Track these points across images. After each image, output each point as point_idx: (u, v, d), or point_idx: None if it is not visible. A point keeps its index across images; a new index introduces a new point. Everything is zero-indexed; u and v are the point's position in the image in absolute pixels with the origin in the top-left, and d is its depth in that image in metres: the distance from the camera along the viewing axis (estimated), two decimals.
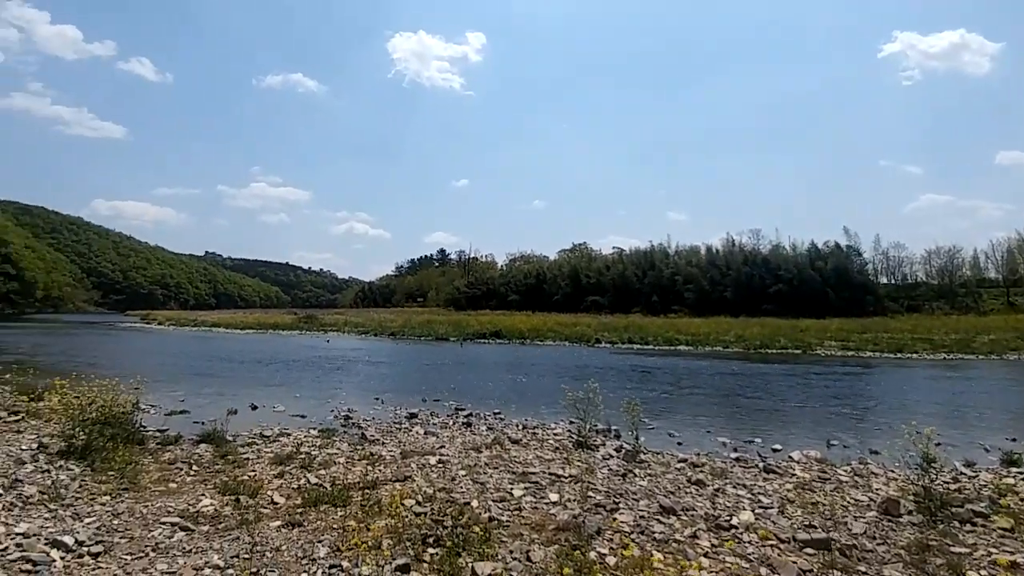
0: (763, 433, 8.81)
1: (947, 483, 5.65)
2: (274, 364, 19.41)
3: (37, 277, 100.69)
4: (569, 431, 8.25)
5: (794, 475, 6.22)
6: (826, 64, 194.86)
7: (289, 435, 7.72)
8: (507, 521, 4.43)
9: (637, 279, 69.72)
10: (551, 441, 7.72)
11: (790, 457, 7.13)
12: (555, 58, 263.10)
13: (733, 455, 7.21)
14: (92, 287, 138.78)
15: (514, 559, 3.70)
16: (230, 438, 7.18)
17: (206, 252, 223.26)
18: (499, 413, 10.11)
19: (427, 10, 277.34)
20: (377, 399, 11.71)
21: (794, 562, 3.74)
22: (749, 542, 4.13)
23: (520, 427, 8.78)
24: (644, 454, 6.92)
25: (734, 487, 5.62)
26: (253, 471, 5.81)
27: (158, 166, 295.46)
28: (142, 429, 7.03)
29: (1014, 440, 8.10)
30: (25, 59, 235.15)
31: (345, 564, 3.51)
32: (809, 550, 3.95)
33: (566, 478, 5.74)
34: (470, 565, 3.47)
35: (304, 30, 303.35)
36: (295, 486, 5.27)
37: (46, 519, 4.12)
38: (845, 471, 6.44)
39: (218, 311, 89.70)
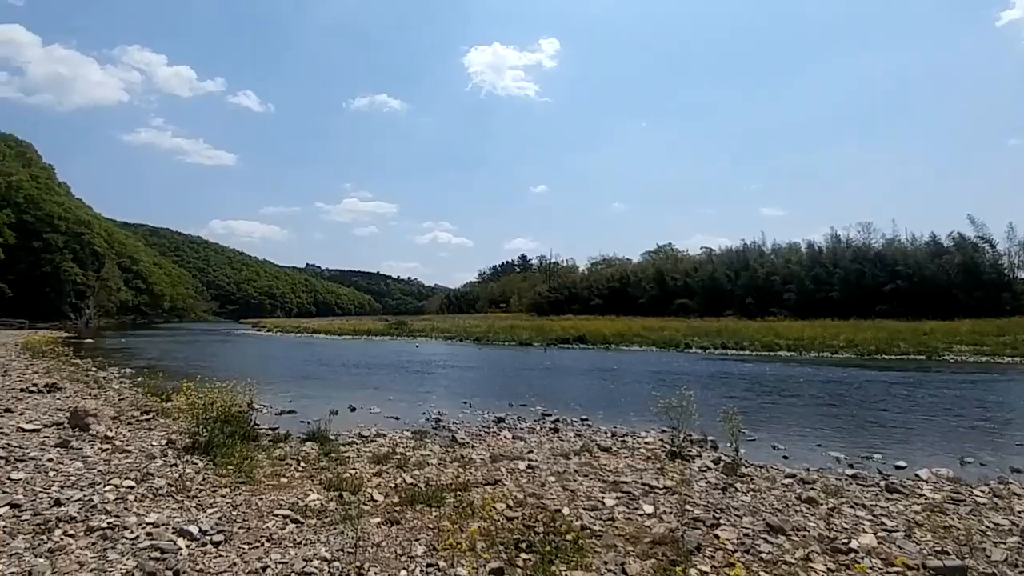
0: (883, 448, 7.92)
1: None
2: (369, 368, 20.59)
3: (164, 290, 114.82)
4: (661, 440, 7.93)
5: (922, 495, 5.52)
6: (936, 38, 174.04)
7: (385, 436, 8.11)
8: (599, 531, 4.32)
9: (729, 280, 65.84)
10: (642, 450, 7.46)
11: (916, 475, 6.35)
12: (631, 58, 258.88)
13: (849, 472, 6.54)
14: (211, 298, 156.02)
15: (608, 571, 3.60)
16: (332, 437, 7.62)
17: (306, 264, 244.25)
18: (586, 419, 9.96)
19: (501, 22, 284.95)
20: (465, 403, 12.00)
21: None
22: (871, 568, 3.71)
23: (609, 434, 8.59)
24: (745, 467, 6.47)
25: (851, 507, 5.08)
26: (354, 469, 6.13)
27: (264, 188, 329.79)
28: (256, 427, 7.52)
29: None
30: (147, 98, 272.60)
31: (441, 564, 3.60)
32: None
33: (660, 489, 5.51)
34: (564, 574, 3.42)
35: (386, 53, 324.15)
36: (392, 485, 5.51)
37: (174, 509, 4.42)
38: (983, 492, 5.61)
39: (318, 319, 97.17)
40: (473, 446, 7.51)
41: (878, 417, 10.64)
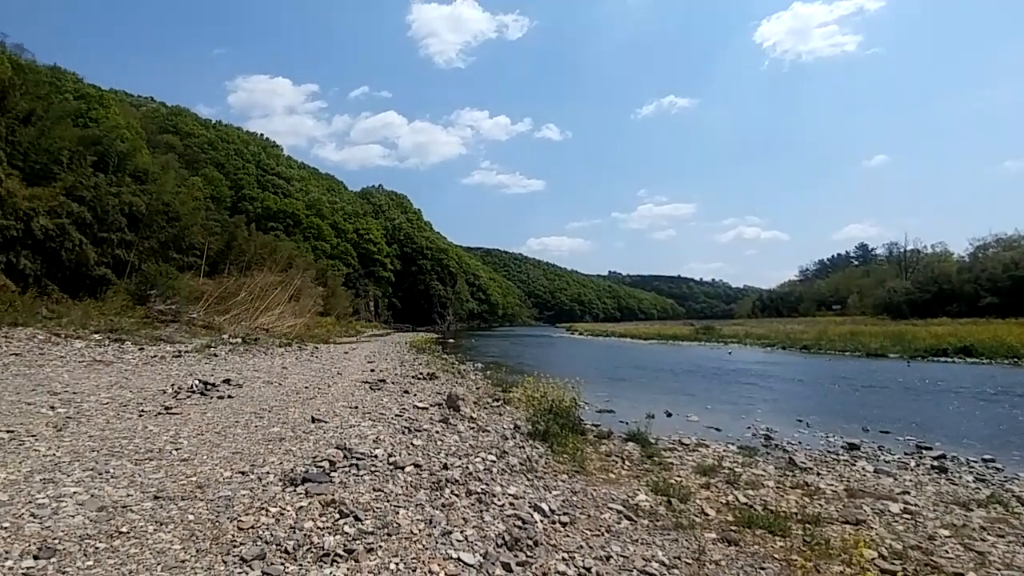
0: None
1: None
2: (678, 373, 20.12)
3: (498, 300, 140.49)
4: None
5: None
6: None
7: (707, 447, 7.69)
8: None
9: None
10: None
11: None
12: None
13: None
14: (531, 305, 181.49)
15: None
16: (652, 440, 7.66)
17: (608, 272, 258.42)
18: (992, 460, 7.25)
19: None
20: (800, 420, 10.38)
21: None
22: None
23: None
24: None
25: None
26: (679, 476, 5.98)
27: (568, 205, 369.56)
28: (582, 422, 7.97)
29: None
30: (478, 147, 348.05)
31: None
32: None
33: None
34: None
35: (668, 54, 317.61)
36: (723, 501, 5.13)
37: (526, 486, 4.81)
38: None
39: (623, 323, 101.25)
40: (819, 474, 6.38)
41: None
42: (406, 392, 9.72)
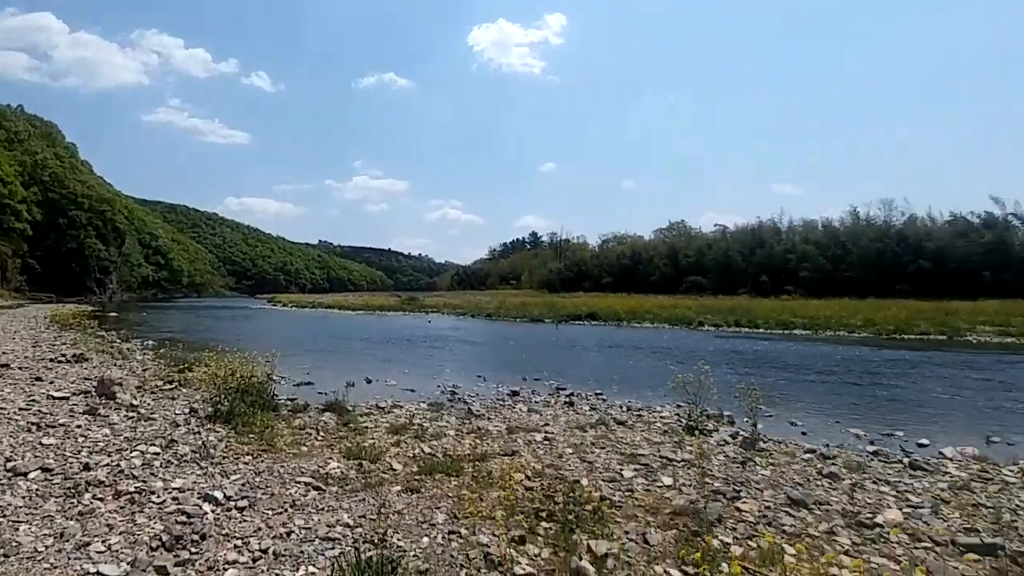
0: (904, 427, 7.81)
1: None
2: (383, 342, 20.76)
3: (183, 266, 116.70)
4: (677, 415, 7.90)
5: (947, 473, 5.45)
6: (968, 12, 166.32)
7: (402, 407, 8.17)
8: (619, 502, 4.32)
9: (743, 258, 65.00)
10: (659, 424, 7.45)
11: (941, 453, 6.26)
12: (639, 34, 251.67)
13: (870, 449, 6.46)
14: (227, 274, 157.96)
15: (630, 540, 3.59)
16: (350, 408, 7.68)
17: (319, 241, 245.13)
18: (601, 394, 9.95)
19: None
20: (479, 376, 12.06)
21: (955, 567, 3.25)
22: (898, 542, 3.66)
23: (624, 408, 8.58)
24: (764, 442, 6.42)
25: (874, 483, 5.02)
26: (372, 439, 6.18)
27: (277, 166, 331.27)
28: (275, 398, 7.57)
29: None
30: (165, 79, 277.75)
31: (463, 531, 3.61)
32: (973, 555, 3.41)
33: (679, 462, 5.49)
34: (585, 542, 3.42)
35: (393, 33, 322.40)
36: (411, 455, 5.55)
37: (198, 475, 4.46)
38: (1012, 471, 5.51)
39: (331, 294, 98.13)
40: (489, 418, 7.55)
41: (898, 396, 10.49)
42: (38, 379, 8.04)
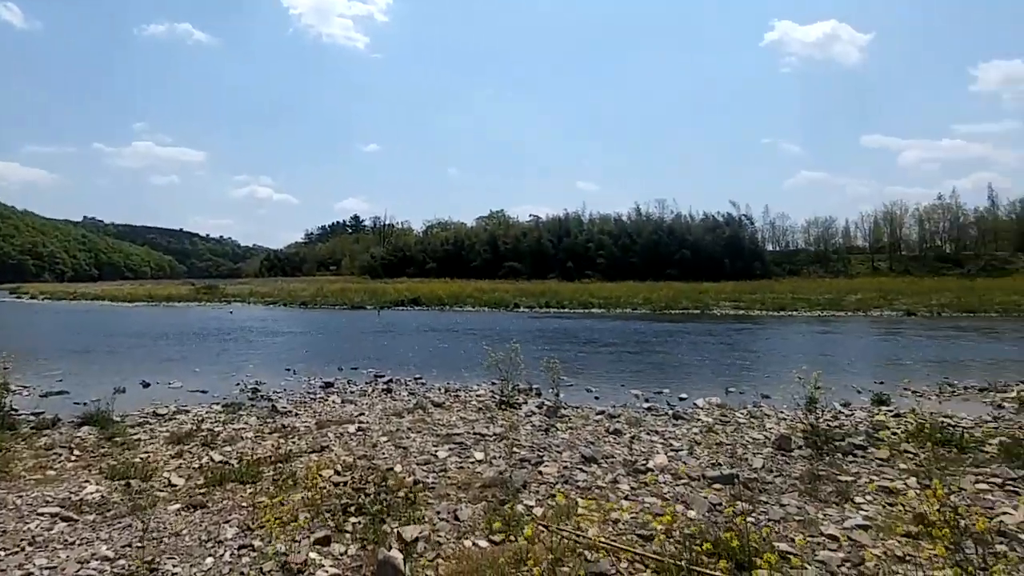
0: (670, 384, 9.41)
1: (829, 421, 6.36)
2: (169, 338, 17.65)
3: None
4: (492, 392, 8.29)
5: (699, 420, 6.70)
6: (713, 53, 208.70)
7: (188, 412, 7.06)
8: (432, 483, 4.35)
9: (552, 246, 71.38)
10: (474, 402, 7.72)
11: (695, 404, 7.67)
12: (467, 23, 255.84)
13: (645, 405, 7.64)
14: None
15: (441, 520, 3.64)
16: (117, 418, 6.42)
17: (85, 217, 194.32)
18: (420, 378, 9.93)
19: None
20: (288, 370, 11.04)
21: (705, 497, 4.02)
22: (664, 482, 4.39)
23: (442, 390, 8.69)
24: (565, 409, 7.12)
25: (648, 434, 5.95)
26: (146, 452, 5.24)
27: (22, 120, 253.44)
28: (13, 412, 6.48)
29: (881, 383, 9.24)
30: None
31: (257, 543, 3.25)
32: (717, 485, 4.26)
33: (491, 436, 5.76)
34: (395, 530, 3.35)
35: None
36: (196, 466, 4.82)
37: None
38: (743, 414, 7.03)
39: (102, 283, 79.89)
40: (297, 414, 6.96)
41: (666, 360, 12.64)
42: None
